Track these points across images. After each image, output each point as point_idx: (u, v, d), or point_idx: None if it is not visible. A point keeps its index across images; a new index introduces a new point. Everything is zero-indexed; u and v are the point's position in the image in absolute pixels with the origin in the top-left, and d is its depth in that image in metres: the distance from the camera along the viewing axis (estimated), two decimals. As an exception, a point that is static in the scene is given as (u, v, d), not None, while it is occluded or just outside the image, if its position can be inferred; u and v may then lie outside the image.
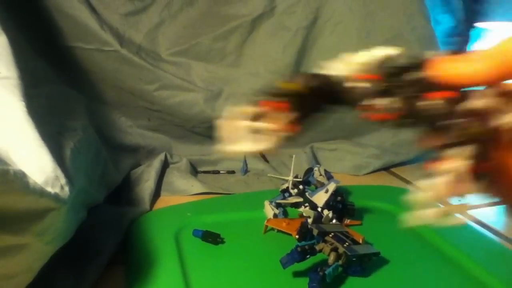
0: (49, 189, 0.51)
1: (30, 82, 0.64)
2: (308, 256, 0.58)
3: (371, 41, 0.95)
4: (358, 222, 0.73)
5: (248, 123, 0.20)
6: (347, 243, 0.60)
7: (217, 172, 0.98)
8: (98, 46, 0.92)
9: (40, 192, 0.48)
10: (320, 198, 0.70)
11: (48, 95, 0.76)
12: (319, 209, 0.70)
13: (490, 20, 0.86)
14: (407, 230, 0.68)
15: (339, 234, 0.62)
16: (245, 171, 0.97)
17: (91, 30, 0.91)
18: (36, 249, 0.50)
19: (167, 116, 0.99)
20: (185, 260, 0.62)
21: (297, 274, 0.59)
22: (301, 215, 0.71)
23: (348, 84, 0.21)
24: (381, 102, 0.20)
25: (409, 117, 0.20)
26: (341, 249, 0.59)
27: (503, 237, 0.73)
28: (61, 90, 0.86)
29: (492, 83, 0.19)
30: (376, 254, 0.61)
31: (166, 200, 0.84)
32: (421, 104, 0.19)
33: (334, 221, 0.69)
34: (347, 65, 0.22)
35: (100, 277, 0.62)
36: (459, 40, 0.19)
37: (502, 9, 0.90)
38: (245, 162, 0.98)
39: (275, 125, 0.20)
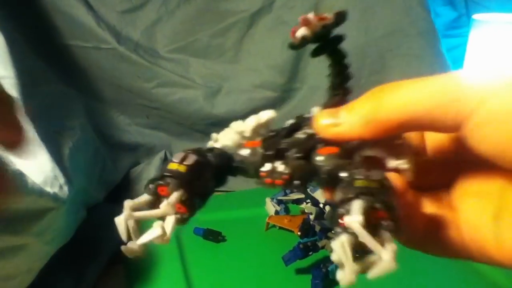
0: (48, 188, 0.50)
1: (27, 82, 0.64)
2: (310, 253, 0.58)
3: (371, 35, 0.94)
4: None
5: (137, 215, 0.19)
6: (349, 239, 0.59)
7: (218, 169, 0.97)
8: (95, 44, 0.92)
9: (39, 192, 0.48)
10: (322, 194, 0.70)
11: (45, 94, 0.75)
12: (321, 205, 0.69)
13: (487, 12, 0.85)
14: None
15: (341, 230, 0.61)
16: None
17: (88, 28, 0.90)
18: (35, 249, 0.50)
19: (166, 114, 0.98)
20: (186, 258, 0.62)
21: (299, 271, 0.59)
22: (303, 212, 0.71)
23: (237, 155, 0.21)
24: (273, 167, 0.20)
25: (302, 178, 0.20)
26: (343, 245, 0.59)
27: None
28: (58, 89, 0.86)
29: (369, 138, 0.19)
30: (379, 250, 0.61)
31: (166, 199, 0.83)
32: (310, 162, 0.20)
33: (336, 217, 0.68)
34: (234, 135, 0.22)
35: (101, 276, 0.62)
36: (339, 93, 0.18)
37: (500, 1, 0.89)
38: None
39: (162, 210, 0.19)
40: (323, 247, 0.60)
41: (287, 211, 0.73)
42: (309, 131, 0.21)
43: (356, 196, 0.17)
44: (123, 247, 0.18)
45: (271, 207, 0.72)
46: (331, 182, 0.19)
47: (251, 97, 0.95)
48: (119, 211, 0.20)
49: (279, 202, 0.73)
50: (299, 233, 0.64)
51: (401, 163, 0.19)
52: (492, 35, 0.77)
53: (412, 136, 0.22)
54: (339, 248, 0.16)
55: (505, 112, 0.16)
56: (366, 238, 0.16)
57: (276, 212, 0.71)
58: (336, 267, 0.16)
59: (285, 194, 0.75)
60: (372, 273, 0.16)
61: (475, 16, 0.81)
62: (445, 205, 0.21)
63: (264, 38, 0.97)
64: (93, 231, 0.67)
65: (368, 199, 0.17)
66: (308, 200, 0.71)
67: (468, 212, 0.19)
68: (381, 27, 0.93)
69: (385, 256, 0.16)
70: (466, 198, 0.20)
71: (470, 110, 0.16)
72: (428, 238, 0.20)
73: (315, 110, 0.21)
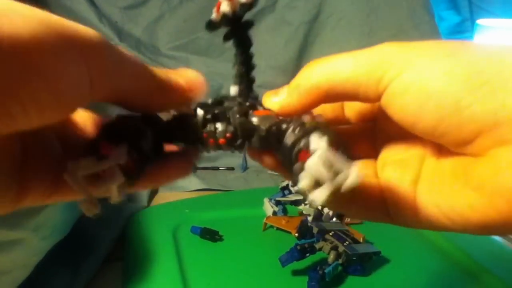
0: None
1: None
2: (307, 255, 0.57)
3: (374, 37, 0.94)
4: (358, 221, 0.72)
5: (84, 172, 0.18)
6: (347, 242, 0.59)
7: (216, 168, 0.97)
8: (96, 39, 0.91)
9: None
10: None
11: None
12: (319, 207, 0.69)
13: (491, 17, 0.85)
14: (408, 229, 0.68)
15: (339, 233, 0.61)
16: (245, 167, 0.96)
17: (90, 23, 0.90)
18: (32, 244, 0.49)
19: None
20: (182, 257, 0.62)
21: (296, 273, 0.58)
22: (301, 213, 0.71)
23: (174, 121, 0.21)
24: (215, 127, 0.21)
25: (244, 136, 0.21)
26: (341, 248, 0.59)
27: (505, 236, 0.72)
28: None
29: (305, 108, 0.21)
30: (377, 253, 0.60)
31: (164, 196, 0.83)
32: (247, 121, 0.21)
33: (334, 219, 0.68)
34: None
35: (97, 273, 0.62)
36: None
37: (504, 6, 0.89)
38: (244, 158, 0.97)
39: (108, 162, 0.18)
40: (320, 249, 0.60)
41: (285, 212, 0.72)
42: (235, 102, 0.22)
43: (312, 131, 0.19)
44: (81, 205, 0.19)
45: (269, 207, 0.72)
46: (269, 138, 0.21)
47: (252, 96, 0.95)
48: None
49: (277, 203, 0.73)
50: (296, 234, 0.63)
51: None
52: (496, 40, 0.77)
53: (329, 109, 0.24)
54: (315, 166, 0.17)
55: (416, 84, 0.17)
56: (333, 156, 0.17)
57: (274, 213, 0.71)
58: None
59: (283, 195, 0.75)
60: (345, 186, 0.17)
61: (479, 21, 0.81)
62: (371, 173, 0.22)
63: (267, 37, 0.96)
64: (90, 227, 0.67)
65: (322, 131, 0.19)
66: (307, 202, 0.71)
67: (390, 179, 0.21)
68: (384, 30, 0.93)
69: (352, 171, 0.17)
70: (389, 166, 0.22)
71: (388, 80, 0.18)
72: (353, 202, 0.21)
73: (233, 89, 0.23)
